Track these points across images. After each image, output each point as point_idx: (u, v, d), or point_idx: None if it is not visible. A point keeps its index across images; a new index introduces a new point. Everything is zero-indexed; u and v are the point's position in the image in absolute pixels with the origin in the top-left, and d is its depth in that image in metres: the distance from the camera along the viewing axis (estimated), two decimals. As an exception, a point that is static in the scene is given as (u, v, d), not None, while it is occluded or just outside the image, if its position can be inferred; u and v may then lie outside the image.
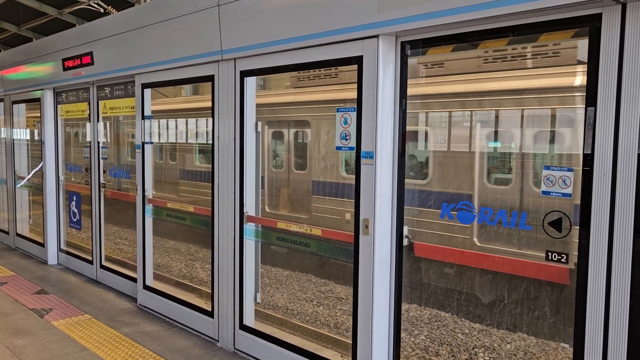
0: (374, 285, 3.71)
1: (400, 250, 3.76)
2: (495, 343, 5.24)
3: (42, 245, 8.41)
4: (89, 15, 15.23)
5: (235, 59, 4.72)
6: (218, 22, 4.74)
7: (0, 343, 5.03)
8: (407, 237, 3.76)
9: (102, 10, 14.81)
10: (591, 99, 2.81)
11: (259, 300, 5.06)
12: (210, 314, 5.19)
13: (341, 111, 3.89)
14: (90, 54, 6.71)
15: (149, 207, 6.07)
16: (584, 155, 2.85)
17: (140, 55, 5.88)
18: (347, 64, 3.88)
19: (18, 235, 9.29)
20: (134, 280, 6.38)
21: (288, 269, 8.13)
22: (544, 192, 3.09)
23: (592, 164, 2.80)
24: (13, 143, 9.41)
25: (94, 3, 14.85)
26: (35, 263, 8.26)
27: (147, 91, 5.97)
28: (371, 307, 3.73)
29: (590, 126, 2.81)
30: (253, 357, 4.71)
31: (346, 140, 3.87)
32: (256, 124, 4.80)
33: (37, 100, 8.32)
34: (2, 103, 9.67)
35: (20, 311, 5.93)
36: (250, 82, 4.74)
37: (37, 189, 8.76)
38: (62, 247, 8.23)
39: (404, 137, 3.70)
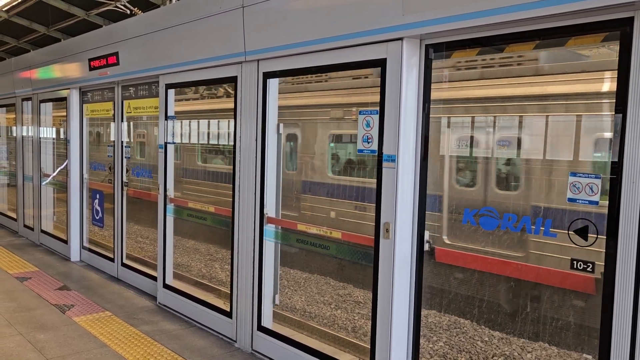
0: (393, 289, 3.68)
1: (421, 255, 3.72)
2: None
3: (65, 242, 8.54)
4: (116, 16, 15.47)
5: (258, 60, 4.74)
6: (242, 24, 4.76)
7: (23, 337, 5.12)
8: (428, 242, 3.71)
9: (128, 12, 15.04)
10: (620, 105, 2.74)
11: (277, 302, 5.06)
12: (228, 314, 5.20)
13: (363, 114, 3.87)
14: (116, 54, 6.80)
15: (170, 207, 6.12)
16: (612, 163, 2.78)
17: (165, 56, 5.94)
18: (370, 66, 3.86)
19: (42, 231, 9.45)
20: (154, 278, 6.44)
21: (307, 272, 8.10)
22: (569, 200, 3.03)
23: (620, 172, 2.74)
24: (40, 141, 9.58)
25: (121, 5, 15.08)
26: (58, 259, 8.39)
27: (171, 91, 6.03)
28: (390, 312, 3.70)
29: (618, 133, 2.74)
30: (270, 359, 4.71)
31: (368, 143, 3.85)
32: (278, 125, 4.81)
33: (64, 99, 8.46)
34: (30, 102, 9.87)
35: (43, 306, 6.03)
36: (273, 83, 4.75)
37: (61, 186, 8.90)
38: (85, 244, 8.34)
39: (426, 141, 3.66)
